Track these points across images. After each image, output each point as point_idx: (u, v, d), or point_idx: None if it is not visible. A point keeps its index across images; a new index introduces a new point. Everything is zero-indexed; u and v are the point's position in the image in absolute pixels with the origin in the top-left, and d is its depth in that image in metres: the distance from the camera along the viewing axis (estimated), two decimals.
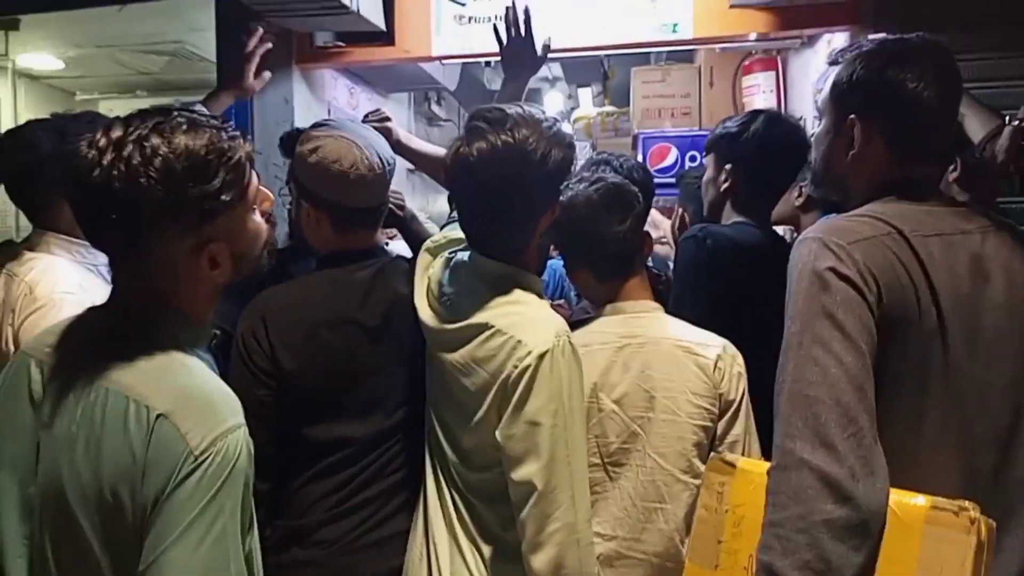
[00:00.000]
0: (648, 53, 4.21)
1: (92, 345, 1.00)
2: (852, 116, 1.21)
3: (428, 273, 1.48)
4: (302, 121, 2.80)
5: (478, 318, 1.30)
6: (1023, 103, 1.74)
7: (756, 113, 1.86)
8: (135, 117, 0.96)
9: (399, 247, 2.18)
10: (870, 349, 1.04)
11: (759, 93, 3.38)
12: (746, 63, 3.50)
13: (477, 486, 1.34)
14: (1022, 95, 1.97)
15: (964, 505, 0.97)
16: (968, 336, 1.09)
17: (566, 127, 1.31)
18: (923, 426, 1.08)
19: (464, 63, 3.46)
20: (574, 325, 1.45)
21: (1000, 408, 1.10)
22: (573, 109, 6.16)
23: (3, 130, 2.61)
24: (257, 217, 1.07)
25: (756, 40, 2.74)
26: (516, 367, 1.22)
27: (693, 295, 1.68)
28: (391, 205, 1.76)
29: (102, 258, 1.64)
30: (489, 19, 2.59)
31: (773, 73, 3.35)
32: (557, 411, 1.22)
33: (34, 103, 4.83)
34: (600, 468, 1.42)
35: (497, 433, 1.25)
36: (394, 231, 2.35)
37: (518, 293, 1.33)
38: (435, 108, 4.62)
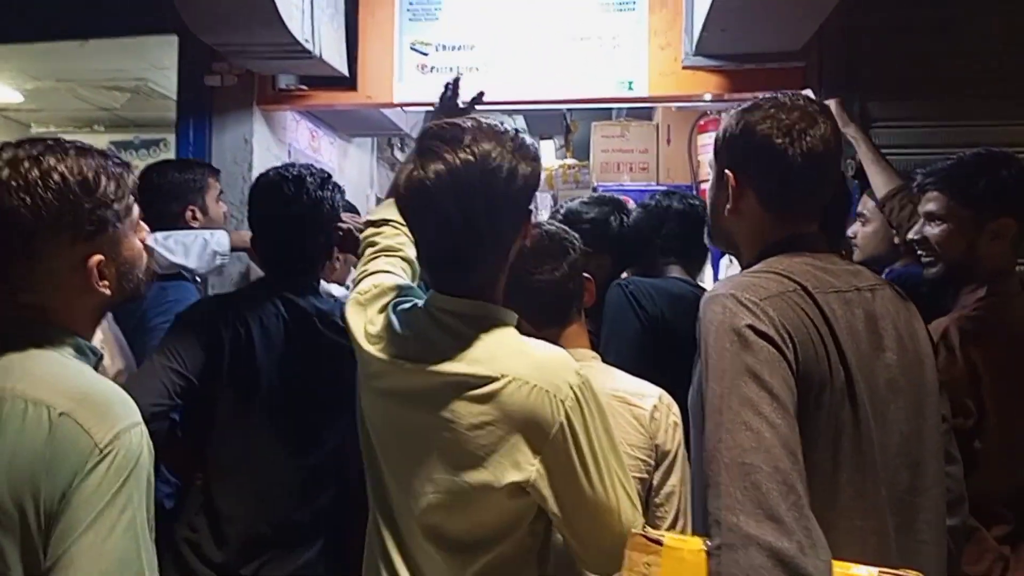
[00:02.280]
0: (609, 109, 4.32)
1: None
2: (726, 171, 1.21)
3: (366, 327, 1.27)
4: (260, 161, 2.79)
5: (481, 369, 1.11)
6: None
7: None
8: (24, 142, 1.03)
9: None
10: (794, 409, 0.99)
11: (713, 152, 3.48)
12: (701, 122, 3.62)
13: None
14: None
15: (910, 575, 0.92)
16: (870, 395, 1.06)
17: (528, 138, 1.18)
18: (837, 490, 1.04)
19: (427, 111, 3.50)
20: None
21: (898, 468, 1.08)
22: None
23: None
24: (138, 242, 1.14)
25: (710, 101, 2.83)
26: (557, 419, 1.08)
27: (618, 332, 1.80)
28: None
29: None
30: (450, 69, 2.64)
31: None
32: (612, 451, 1.13)
33: None
34: None
35: (554, 502, 1.09)
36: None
37: (509, 333, 1.18)
38: (398, 154, 4.64)
